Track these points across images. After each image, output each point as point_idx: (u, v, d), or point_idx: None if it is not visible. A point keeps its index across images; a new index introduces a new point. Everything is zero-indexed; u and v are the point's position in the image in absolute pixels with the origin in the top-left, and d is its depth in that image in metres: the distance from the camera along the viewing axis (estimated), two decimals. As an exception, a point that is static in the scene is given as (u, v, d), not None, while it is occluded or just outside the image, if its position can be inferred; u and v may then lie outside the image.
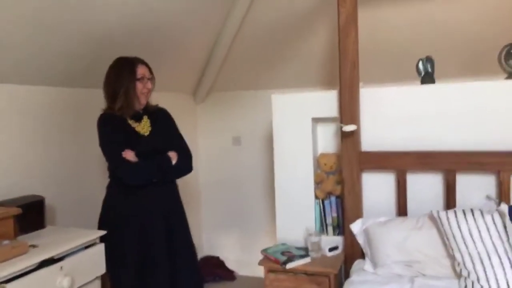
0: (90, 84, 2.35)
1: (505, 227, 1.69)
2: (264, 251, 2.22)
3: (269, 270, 2.12)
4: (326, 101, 2.32)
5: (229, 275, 3.47)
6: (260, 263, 2.16)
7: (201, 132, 3.69)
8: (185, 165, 2.09)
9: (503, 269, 1.61)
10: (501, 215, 1.72)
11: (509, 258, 1.63)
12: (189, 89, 3.53)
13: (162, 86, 2.99)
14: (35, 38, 1.93)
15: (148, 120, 2.08)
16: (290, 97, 2.43)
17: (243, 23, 2.95)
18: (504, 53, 2.09)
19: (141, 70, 1.99)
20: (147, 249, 1.96)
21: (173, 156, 2.01)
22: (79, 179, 2.40)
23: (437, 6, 2.58)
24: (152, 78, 2.04)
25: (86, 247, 1.80)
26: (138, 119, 2.05)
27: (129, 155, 1.90)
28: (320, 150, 2.47)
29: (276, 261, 2.10)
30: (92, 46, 2.22)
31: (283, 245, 2.30)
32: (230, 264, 3.59)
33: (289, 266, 2.05)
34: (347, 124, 2.16)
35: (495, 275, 1.62)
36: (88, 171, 2.43)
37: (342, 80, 2.20)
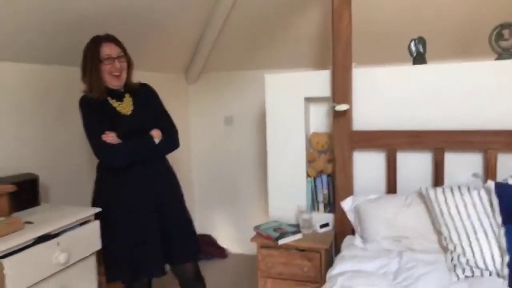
0: (73, 62, 2.32)
1: (491, 203, 1.74)
2: (256, 227, 2.27)
3: (262, 246, 2.17)
4: (319, 81, 2.33)
5: (221, 252, 3.53)
6: (252, 240, 2.20)
7: (193, 112, 3.68)
8: (171, 141, 2.07)
9: (488, 242, 1.67)
10: (487, 191, 1.77)
11: (494, 232, 1.68)
12: (181, 69, 3.51)
13: (152, 67, 2.98)
14: (18, 15, 1.89)
15: (130, 99, 2.03)
16: (283, 77, 2.44)
17: (235, 3, 2.92)
18: (494, 34, 2.12)
19: (106, 50, 1.91)
20: (139, 229, 1.97)
21: (156, 135, 1.99)
22: (68, 157, 2.39)
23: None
24: (123, 56, 1.97)
25: (81, 224, 1.82)
26: (120, 98, 2.01)
27: (110, 137, 1.88)
28: (312, 130, 2.50)
29: (269, 237, 2.15)
30: (76, 24, 2.17)
31: (275, 222, 2.34)
32: (222, 242, 3.65)
33: (281, 242, 2.10)
34: (339, 103, 2.18)
35: (480, 248, 1.68)
36: (76, 149, 2.41)
37: (335, 60, 2.21)
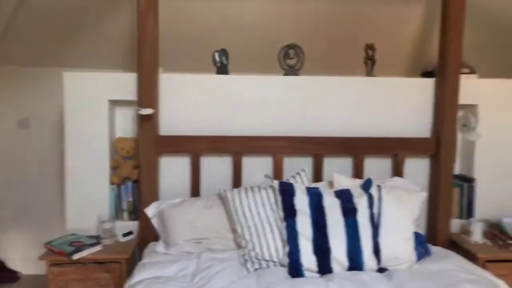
0: None
1: (276, 200, 1.96)
2: (48, 243, 2.01)
3: (52, 264, 1.93)
4: (125, 84, 2.25)
5: (11, 276, 3.04)
6: (41, 258, 1.94)
7: (-24, 113, 3.07)
8: None
9: (273, 236, 1.87)
10: (274, 190, 1.99)
11: (278, 226, 1.90)
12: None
13: None
14: None
15: None
16: (85, 77, 2.26)
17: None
18: (282, 53, 2.42)
19: None
20: None
21: None
22: None
23: (234, 4, 2.80)
24: None
25: None
26: None
27: None
28: (118, 134, 2.38)
29: (62, 253, 1.93)
30: None
31: (73, 235, 2.12)
32: (13, 264, 3.13)
33: (77, 256, 1.91)
34: (144, 107, 2.14)
35: (267, 242, 1.86)
36: None
37: (141, 64, 2.17)
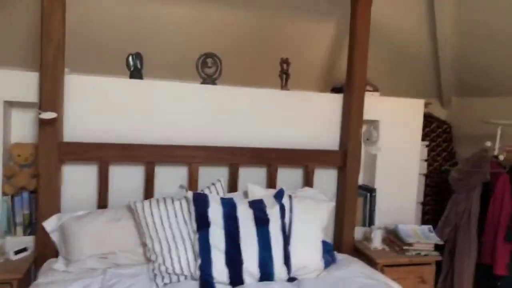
0: None
1: (189, 211, 1.91)
2: None
3: None
4: (24, 84, 2.04)
5: None
6: None
7: None
8: None
9: (185, 248, 1.82)
10: (188, 201, 1.94)
11: (190, 239, 1.85)
12: None
13: None
14: None
15: None
16: (-28, 74, 2.00)
17: None
18: (200, 61, 2.39)
19: None
20: None
21: None
22: None
23: (151, 6, 2.71)
24: None
25: None
26: None
27: None
28: (14, 140, 2.14)
29: None
30: None
31: (-48, 254, 1.85)
32: None
33: (-45, 279, 1.67)
34: (46, 111, 1.96)
35: (178, 255, 1.81)
36: None
37: (44, 62, 1.99)
